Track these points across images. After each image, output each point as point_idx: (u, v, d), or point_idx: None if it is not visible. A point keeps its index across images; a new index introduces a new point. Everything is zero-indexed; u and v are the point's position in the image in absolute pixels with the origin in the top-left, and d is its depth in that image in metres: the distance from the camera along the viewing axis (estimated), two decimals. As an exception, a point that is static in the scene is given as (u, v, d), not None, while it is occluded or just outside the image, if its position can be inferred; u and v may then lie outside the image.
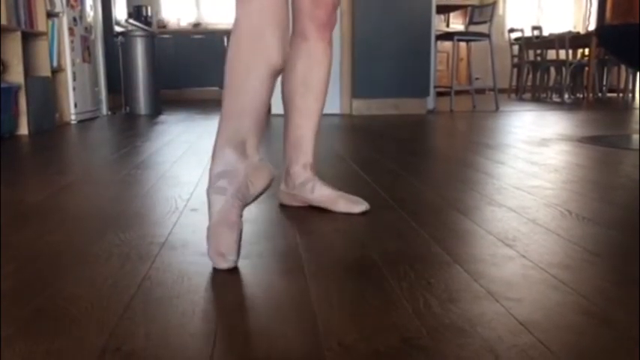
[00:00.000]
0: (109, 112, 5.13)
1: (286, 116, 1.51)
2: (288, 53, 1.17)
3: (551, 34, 7.24)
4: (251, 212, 1.47)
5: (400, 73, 4.82)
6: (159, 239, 1.23)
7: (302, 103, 1.47)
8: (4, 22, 3.26)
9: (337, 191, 1.48)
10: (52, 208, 1.52)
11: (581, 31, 8.92)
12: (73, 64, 4.20)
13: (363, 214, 1.44)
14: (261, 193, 1.15)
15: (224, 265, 1.03)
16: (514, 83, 8.13)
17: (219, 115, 1.16)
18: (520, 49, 7.83)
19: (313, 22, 1.43)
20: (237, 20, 1.14)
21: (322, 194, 1.47)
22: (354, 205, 1.45)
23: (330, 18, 1.44)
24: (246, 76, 1.13)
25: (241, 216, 1.10)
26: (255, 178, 1.13)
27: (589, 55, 6.92)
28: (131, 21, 6.56)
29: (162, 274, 1.01)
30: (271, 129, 3.68)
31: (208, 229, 1.08)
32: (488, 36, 5.29)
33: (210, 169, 1.12)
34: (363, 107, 4.87)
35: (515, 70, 8.07)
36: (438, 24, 7.58)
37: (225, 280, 0.98)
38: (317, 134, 1.51)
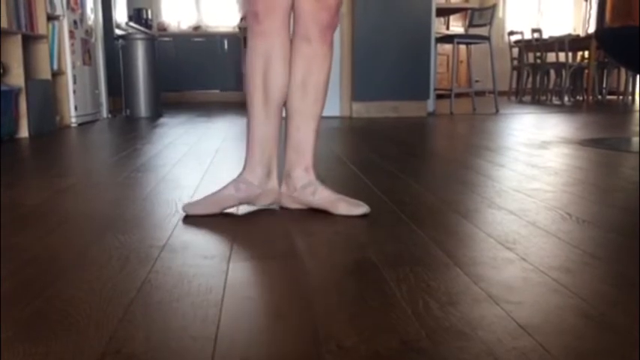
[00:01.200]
0: (110, 115, 5.13)
1: (286, 119, 1.51)
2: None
3: (550, 37, 7.25)
4: (252, 214, 1.47)
5: (400, 76, 4.83)
6: (159, 242, 1.23)
7: (302, 106, 1.47)
8: (4, 25, 3.27)
9: (338, 194, 1.49)
10: (51, 211, 1.52)
11: (581, 33, 8.93)
12: (74, 66, 4.21)
13: (364, 216, 1.44)
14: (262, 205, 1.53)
15: (186, 209, 1.46)
16: (514, 86, 8.14)
17: (249, 130, 1.49)
18: (520, 52, 7.84)
19: (317, 25, 1.43)
20: (250, 51, 1.44)
21: (323, 197, 1.47)
22: (354, 208, 1.45)
23: (333, 20, 1.44)
24: (269, 107, 1.45)
25: (231, 208, 1.50)
26: (266, 197, 1.50)
27: (589, 58, 6.93)
28: (131, 24, 6.58)
29: (162, 277, 1.01)
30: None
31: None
32: (488, 38, 5.29)
33: (241, 173, 1.50)
34: (362, 110, 4.87)
35: (515, 72, 8.08)
36: (438, 26, 7.58)
37: (226, 282, 0.98)
38: (317, 136, 1.51)
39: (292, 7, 1.43)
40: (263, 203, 1.51)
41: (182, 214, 1.47)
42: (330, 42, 1.47)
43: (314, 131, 1.50)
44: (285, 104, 1.50)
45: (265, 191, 1.49)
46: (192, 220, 1.42)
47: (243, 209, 1.53)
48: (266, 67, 1.43)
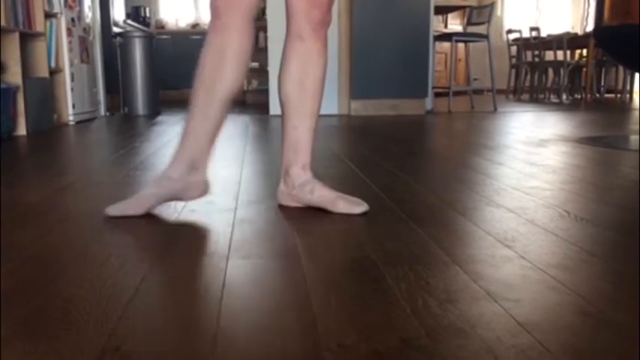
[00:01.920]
0: (108, 113, 5.13)
1: (284, 117, 1.51)
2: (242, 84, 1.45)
3: (549, 35, 7.26)
4: (251, 213, 1.47)
5: (398, 74, 4.83)
6: (157, 240, 1.23)
7: (299, 104, 1.48)
8: (2, 22, 3.26)
9: (337, 192, 1.49)
10: (50, 209, 1.52)
11: (579, 32, 8.95)
12: (72, 64, 4.20)
13: (363, 214, 1.44)
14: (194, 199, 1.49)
15: (108, 210, 1.43)
16: (512, 84, 8.14)
17: (184, 124, 1.43)
18: (518, 50, 7.85)
19: (310, 23, 1.43)
20: (206, 45, 1.39)
21: (322, 195, 1.47)
22: (353, 206, 1.45)
23: (325, 17, 1.44)
24: (209, 103, 1.39)
25: (155, 207, 1.46)
26: (191, 190, 1.45)
27: (587, 56, 6.93)
28: (129, 22, 6.57)
29: (161, 275, 1.01)
30: (270, 129, 3.68)
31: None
32: (486, 37, 5.30)
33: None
34: (361, 108, 4.87)
35: (513, 70, 8.08)
36: (437, 25, 7.58)
37: (225, 280, 0.99)
38: (315, 134, 1.51)
39: (286, 6, 1.44)
40: (191, 196, 1.45)
41: (180, 212, 1.47)
42: (324, 39, 1.47)
43: (311, 129, 1.50)
44: (281, 103, 1.50)
45: (189, 184, 1.43)
46: (190, 218, 1.42)
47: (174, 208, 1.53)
48: (217, 63, 1.37)
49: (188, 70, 6.89)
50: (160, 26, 8.25)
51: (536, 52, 7.50)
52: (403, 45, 4.80)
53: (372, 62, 4.79)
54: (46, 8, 3.86)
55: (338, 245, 1.20)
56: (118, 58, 5.16)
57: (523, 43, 7.66)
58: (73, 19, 4.27)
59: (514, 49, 8.03)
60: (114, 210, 1.43)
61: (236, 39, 1.36)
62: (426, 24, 4.82)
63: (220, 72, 1.37)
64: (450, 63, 5.72)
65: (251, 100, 7.81)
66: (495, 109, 5.35)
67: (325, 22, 1.45)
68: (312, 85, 1.47)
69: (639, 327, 0.79)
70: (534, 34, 7.33)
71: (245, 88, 7.74)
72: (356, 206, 1.45)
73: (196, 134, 1.42)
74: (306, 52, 1.45)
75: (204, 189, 1.46)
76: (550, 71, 7.58)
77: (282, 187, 1.53)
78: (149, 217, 1.43)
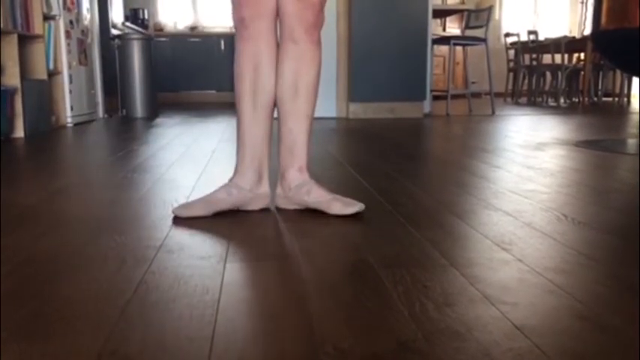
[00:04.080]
0: (106, 115, 5.12)
1: (279, 120, 1.51)
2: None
3: (546, 39, 7.27)
4: (248, 215, 1.47)
5: (397, 77, 4.83)
6: (155, 243, 1.23)
7: (293, 106, 1.48)
8: (0, 24, 3.25)
9: (332, 194, 1.49)
10: (47, 211, 1.52)
11: (577, 35, 8.96)
12: (70, 66, 4.20)
13: (360, 217, 1.44)
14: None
15: (176, 211, 1.45)
16: (510, 87, 8.15)
17: (239, 136, 1.49)
18: (516, 54, 7.86)
19: (301, 25, 1.43)
20: (239, 55, 1.46)
21: (317, 197, 1.47)
22: (347, 207, 1.45)
23: (317, 18, 1.44)
24: (258, 112, 1.47)
25: (221, 211, 1.48)
26: (257, 201, 1.52)
27: (584, 60, 6.94)
28: (128, 24, 6.57)
29: (158, 278, 1.01)
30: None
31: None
32: (484, 40, 5.31)
33: (232, 178, 1.50)
34: (359, 111, 4.88)
35: (511, 74, 8.10)
36: (435, 28, 7.59)
37: (222, 283, 0.98)
38: (310, 136, 1.52)
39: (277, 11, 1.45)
40: (254, 208, 1.51)
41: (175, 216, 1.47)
42: (317, 40, 1.47)
43: (306, 131, 1.50)
44: (276, 106, 1.50)
45: (257, 195, 1.50)
46: (187, 220, 1.42)
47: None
48: (254, 71, 1.45)
49: (186, 73, 6.88)
50: (159, 29, 8.25)
51: (534, 56, 7.52)
52: (401, 48, 4.81)
53: (371, 65, 4.79)
54: (45, 10, 3.86)
55: (335, 248, 1.20)
56: (116, 60, 5.16)
57: (521, 47, 7.68)
58: (71, 22, 4.27)
59: (512, 52, 8.04)
60: (183, 211, 1.45)
61: (265, 46, 1.45)
62: (424, 27, 4.83)
63: (260, 79, 1.45)
64: (448, 66, 5.73)
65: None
66: (493, 113, 5.36)
67: (317, 24, 1.45)
68: (305, 87, 1.47)
69: (639, 331, 0.79)
70: (532, 37, 7.34)
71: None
72: (350, 207, 1.45)
73: (254, 144, 1.48)
74: (300, 55, 1.45)
75: (267, 202, 1.53)
76: (548, 75, 7.59)
77: (278, 190, 1.53)
78: (148, 219, 1.42)
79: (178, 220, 1.42)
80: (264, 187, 1.51)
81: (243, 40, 1.44)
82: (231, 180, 1.51)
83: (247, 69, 1.45)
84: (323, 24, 1.48)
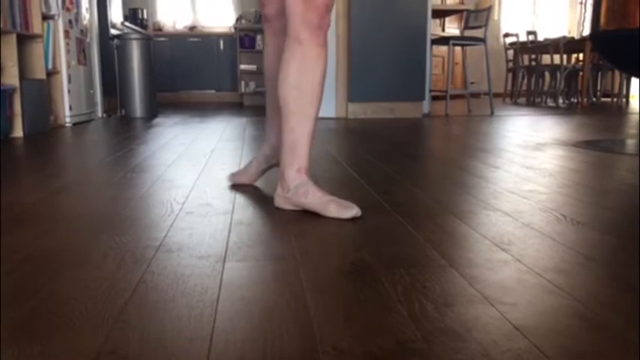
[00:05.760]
0: (105, 115, 5.12)
1: (282, 120, 1.51)
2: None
3: (545, 39, 7.28)
4: (247, 215, 1.47)
5: (396, 77, 4.84)
6: (154, 242, 1.23)
7: (297, 107, 1.47)
8: (-1, 24, 3.25)
9: (330, 196, 1.48)
10: (46, 211, 1.52)
11: (576, 36, 8.97)
12: (69, 66, 4.20)
13: (359, 217, 1.43)
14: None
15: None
16: (509, 88, 8.16)
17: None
18: (515, 54, 7.87)
19: (306, 26, 1.43)
20: (265, 45, 1.72)
21: (314, 198, 1.47)
22: (344, 211, 1.43)
23: (322, 21, 1.44)
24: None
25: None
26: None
27: (583, 60, 6.95)
28: (127, 24, 6.56)
29: (157, 278, 1.01)
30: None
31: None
32: (483, 40, 5.31)
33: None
34: (358, 111, 4.88)
35: (510, 74, 8.10)
36: (434, 28, 7.60)
37: (221, 283, 0.98)
38: (312, 138, 1.51)
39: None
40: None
41: (177, 214, 1.47)
42: (323, 42, 1.47)
43: (309, 133, 1.49)
44: (280, 106, 1.50)
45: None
46: (187, 220, 1.42)
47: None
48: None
49: (185, 73, 6.88)
50: (158, 28, 8.25)
51: (533, 56, 7.52)
52: (401, 48, 4.81)
53: (370, 65, 4.80)
54: (44, 10, 3.85)
55: (334, 248, 1.20)
56: (115, 60, 5.16)
57: (520, 47, 7.68)
58: (70, 21, 4.27)
59: (511, 52, 8.05)
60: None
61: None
62: (423, 27, 4.83)
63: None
64: (447, 66, 5.73)
65: (248, 103, 7.80)
66: (492, 113, 5.36)
67: (323, 27, 1.45)
68: (310, 88, 1.47)
69: (639, 331, 0.79)
70: (531, 37, 7.35)
71: (242, 90, 7.74)
72: (347, 210, 1.43)
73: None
74: (305, 56, 1.45)
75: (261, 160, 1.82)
76: (547, 75, 7.60)
77: (278, 190, 1.53)
78: (147, 218, 1.42)
79: (178, 220, 1.41)
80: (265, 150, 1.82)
81: (268, 33, 1.70)
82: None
83: (274, 61, 1.69)
84: (329, 26, 1.47)
